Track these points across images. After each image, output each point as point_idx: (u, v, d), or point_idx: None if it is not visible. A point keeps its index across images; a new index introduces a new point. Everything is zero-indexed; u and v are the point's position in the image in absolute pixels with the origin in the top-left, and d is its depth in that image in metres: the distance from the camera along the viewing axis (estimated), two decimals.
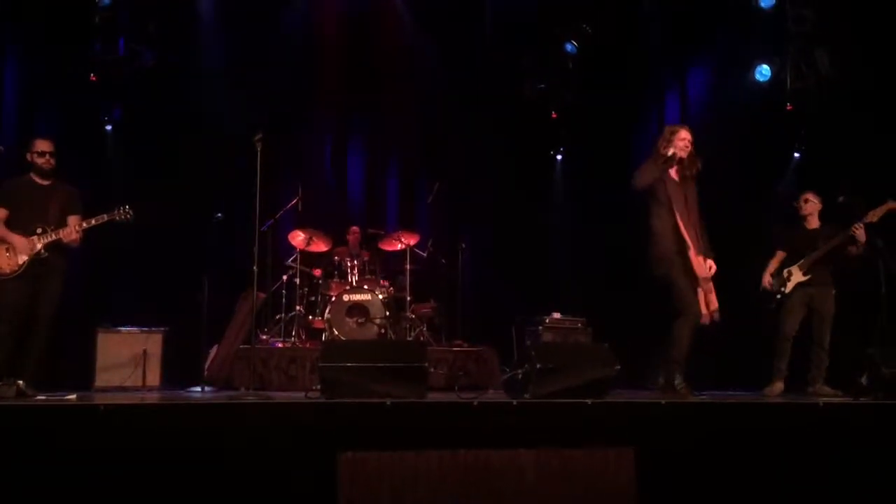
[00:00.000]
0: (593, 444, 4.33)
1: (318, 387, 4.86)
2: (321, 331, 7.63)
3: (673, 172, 5.56)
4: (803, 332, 6.32)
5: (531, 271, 9.08)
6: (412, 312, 7.84)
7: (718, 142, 8.42)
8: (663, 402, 4.71)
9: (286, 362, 6.84)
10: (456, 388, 6.04)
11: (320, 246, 8.06)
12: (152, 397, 5.69)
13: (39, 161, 5.45)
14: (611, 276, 8.54)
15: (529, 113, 9.32)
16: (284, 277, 7.72)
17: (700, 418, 4.61)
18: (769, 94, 8.36)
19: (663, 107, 9.30)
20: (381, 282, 7.96)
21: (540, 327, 7.54)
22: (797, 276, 6.31)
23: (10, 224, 5.34)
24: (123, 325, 6.91)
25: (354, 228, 8.37)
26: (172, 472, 3.87)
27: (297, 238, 7.84)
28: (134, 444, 3.87)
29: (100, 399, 4.81)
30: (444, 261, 8.29)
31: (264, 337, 7.37)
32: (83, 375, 6.64)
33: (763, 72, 8.32)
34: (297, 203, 7.79)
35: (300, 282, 7.74)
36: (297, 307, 7.66)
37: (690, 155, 5.56)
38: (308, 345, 7.32)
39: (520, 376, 4.96)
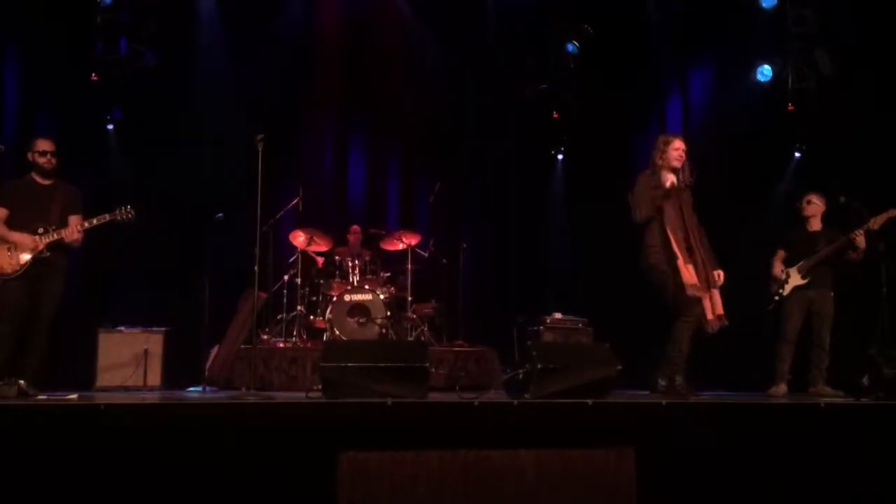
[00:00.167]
0: (594, 444, 4.32)
1: (319, 387, 4.85)
2: (322, 331, 7.63)
3: (667, 183, 5.55)
4: (803, 333, 6.31)
5: (532, 271, 9.09)
6: (413, 312, 7.85)
7: (719, 142, 8.45)
8: (664, 402, 4.71)
9: (287, 362, 6.85)
10: (457, 388, 6.05)
11: (321, 246, 8.06)
12: (153, 397, 5.70)
13: (41, 160, 5.45)
14: (612, 276, 8.53)
15: (531, 113, 9.32)
16: (286, 277, 7.73)
17: (701, 419, 4.60)
18: (770, 95, 8.36)
19: (665, 107, 9.30)
20: (381, 272, 7.96)
21: (541, 327, 7.54)
22: (795, 278, 6.31)
23: (12, 224, 5.33)
24: (125, 325, 6.92)
25: (355, 228, 8.37)
26: (173, 472, 3.87)
27: (298, 238, 7.84)
28: (135, 443, 3.87)
29: (101, 399, 4.81)
30: (445, 261, 8.29)
31: (265, 337, 7.37)
32: (84, 375, 6.65)
33: (764, 72, 8.31)
34: (298, 203, 7.80)
35: (301, 282, 7.74)
36: (299, 307, 7.66)
37: (684, 165, 5.57)
38: (309, 345, 7.32)
39: (521, 376, 4.96)
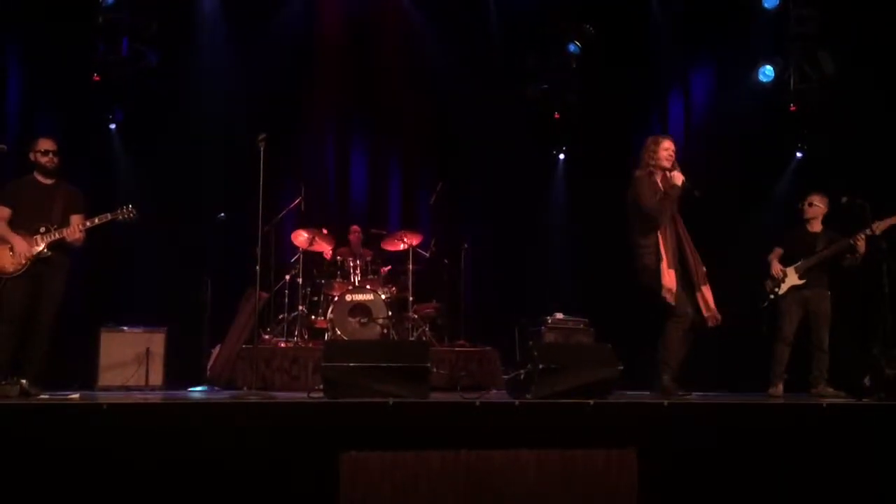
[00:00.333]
0: (595, 444, 4.32)
1: (321, 387, 4.86)
2: (324, 331, 7.63)
3: (659, 184, 5.58)
4: (800, 334, 6.31)
5: (534, 272, 9.09)
6: (415, 312, 7.85)
7: (721, 142, 8.45)
8: (665, 403, 4.70)
9: (288, 362, 6.85)
10: (458, 388, 6.06)
11: (323, 246, 8.07)
12: (155, 397, 5.70)
13: (43, 160, 5.45)
14: (613, 276, 8.52)
15: (532, 113, 9.33)
16: (287, 277, 7.73)
17: (702, 419, 4.60)
18: (772, 95, 8.36)
19: (666, 107, 9.30)
20: (382, 269, 7.96)
21: (542, 327, 7.54)
22: (792, 278, 6.30)
23: (14, 223, 5.35)
24: (127, 325, 6.92)
25: (355, 228, 8.38)
26: (174, 472, 3.87)
27: (300, 238, 7.85)
28: (136, 443, 3.88)
29: (103, 398, 4.81)
30: (446, 261, 8.30)
31: (267, 337, 7.38)
32: (86, 374, 6.65)
33: (766, 72, 8.31)
34: (299, 203, 7.80)
35: (303, 282, 7.75)
36: (300, 307, 7.67)
37: (674, 165, 5.62)
38: (310, 345, 7.32)
39: (522, 376, 4.96)
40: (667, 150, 5.57)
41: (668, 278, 5.44)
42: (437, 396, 5.02)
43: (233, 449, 3.97)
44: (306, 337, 7.60)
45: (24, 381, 5.09)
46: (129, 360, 6.75)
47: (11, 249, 5.28)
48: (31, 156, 5.49)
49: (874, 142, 7.41)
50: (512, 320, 7.77)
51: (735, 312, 5.84)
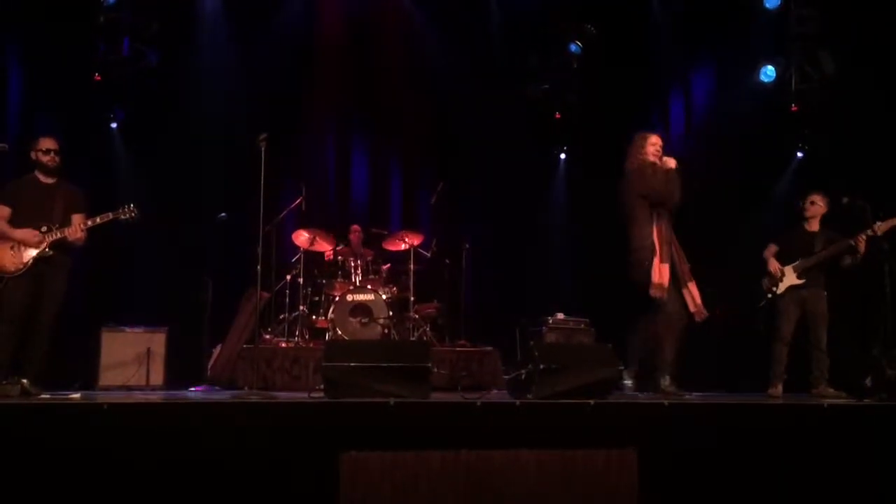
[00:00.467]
0: (595, 444, 4.32)
1: (322, 386, 4.86)
2: (325, 331, 7.63)
3: (672, 163, 5.70)
4: (799, 334, 6.30)
5: (535, 272, 9.08)
6: (416, 312, 7.85)
7: (722, 142, 8.45)
8: (666, 403, 4.71)
9: (289, 362, 6.85)
10: (459, 388, 6.06)
11: (324, 246, 8.07)
12: (156, 396, 5.70)
13: (44, 159, 5.45)
14: (614, 276, 8.52)
15: (533, 113, 9.32)
16: (288, 277, 7.73)
17: (702, 419, 4.60)
18: (773, 95, 8.35)
19: (667, 107, 9.29)
20: (382, 266, 7.96)
21: (543, 328, 7.54)
22: (791, 278, 6.29)
23: (15, 222, 5.34)
24: (127, 325, 6.92)
25: (356, 227, 8.37)
26: (175, 472, 3.88)
27: (301, 238, 7.85)
28: (137, 443, 3.88)
29: (103, 398, 4.81)
30: (447, 261, 8.29)
31: (268, 336, 7.38)
32: (87, 374, 6.65)
33: (768, 73, 8.31)
34: (300, 203, 7.80)
35: (303, 282, 7.74)
36: (301, 307, 7.67)
37: (661, 160, 5.73)
38: (311, 345, 7.32)
39: (523, 377, 4.96)
40: (654, 144, 5.70)
41: (662, 273, 5.51)
42: (437, 396, 5.02)
43: (233, 449, 3.98)
44: (307, 337, 7.60)
45: (24, 380, 5.11)
46: (130, 360, 6.75)
47: (13, 248, 5.28)
48: (33, 155, 5.49)
49: (875, 142, 7.40)
50: (513, 320, 7.77)
51: (735, 312, 5.84)
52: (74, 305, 5.87)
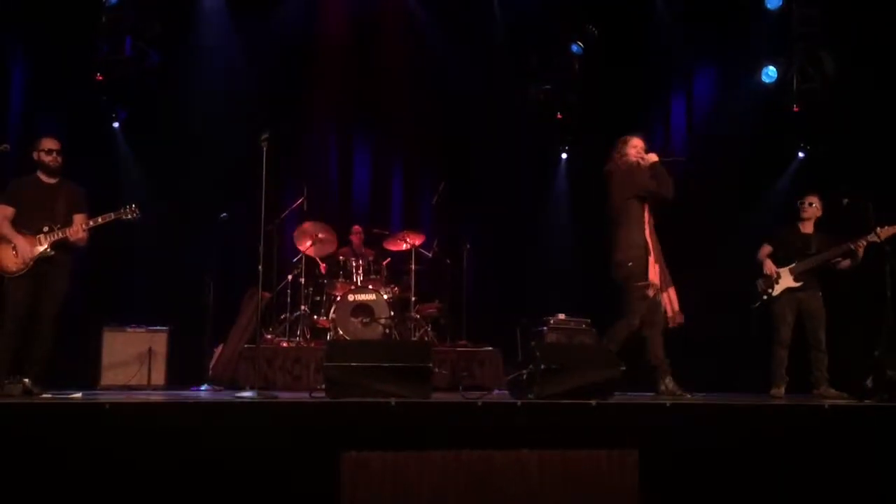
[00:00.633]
0: (597, 445, 4.32)
1: (323, 386, 4.86)
2: (326, 330, 7.64)
3: (654, 157, 5.75)
4: (797, 334, 6.29)
5: (536, 272, 9.08)
6: (417, 312, 7.85)
7: (723, 143, 8.44)
8: (667, 403, 4.70)
9: (291, 362, 6.87)
10: (460, 388, 6.06)
11: (325, 248, 8.06)
12: (157, 396, 5.71)
13: (46, 159, 5.46)
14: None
15: (535, 113, 9.32)
16: (289, 277, 7.73)
17: (704, 420, 4.60)
18: (775, 96, 8.35)
19: (669, 108, 9.29)
20: (383, 262, 7.96)
21: (545, 328, 7.54)
22: (787, 280, 6.27)
23: (17, 222, 5.35)
24: (129, 324, 6.93)
25: (357, 228, 8.38)
26: (176, 471, 3.88)
27: (305, 244, 7.84)
28: (138, 442, 3.88)
29: (105, 398, 4.82)
30: (448, 261, 8.30)
31: (269, 336, 7.38)
32: (89, 374, 6.67)
33: (769, 73, 8.30)
34: (302, 203, 7.81)
35: (305, 282, 7.75)
36: (302, 307, 7.67)
37: (643, 159, 5.78)
38: (313, 344, 7.34)
39: (524, 377, 4.96)
40: (635, 147, 5.77)
41: (653, 272, 5.57)
42: (438, 396, 5.02)
43: (234, 449, 3.97)
44: (308, 337, 7.61)
45: (26, 380, 5.12)
46: (132, 360, 6.76)
47: (15, 249, 5.28)
48: (35, 155, 5.49)
49: (877, 142, 7.39)
50: (514, 320, 7.77)
51: (735, 312, 5.84)
52: (76, 305, 5.88)
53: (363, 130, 9.40)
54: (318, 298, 7.87)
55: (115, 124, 8.15)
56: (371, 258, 8.13)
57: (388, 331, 7.43)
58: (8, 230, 5.30)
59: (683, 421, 4.54)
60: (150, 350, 6.80)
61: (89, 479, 3.77)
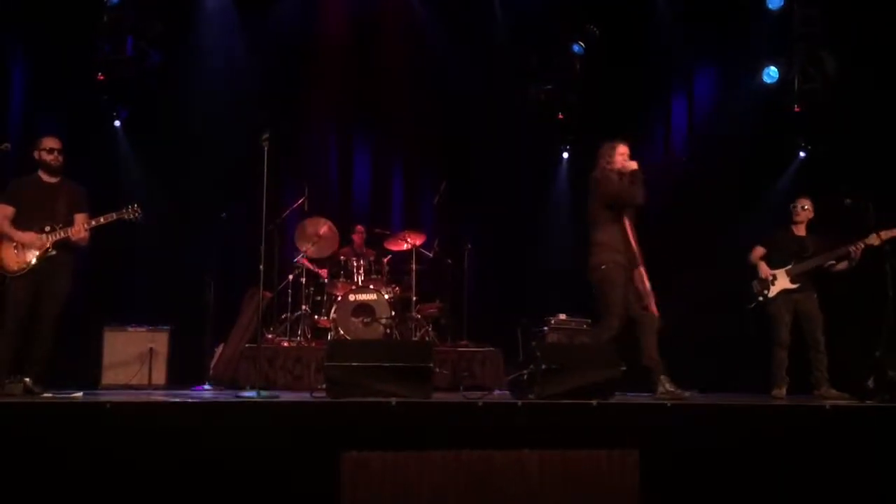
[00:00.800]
0: (597, 445, 4.32)
1: (324, 386, 4.86)
2: (327, 330, 7.64)
3: (634, 164, 5.75)
4: (795, 334, 6.29)
5: (537, 272, 9.08)
6: (418, 312, 7.85)
7: (724, 143, 8.43)
8: (668, 404, 4.71)
9: (291, 362, 6.87)
10: (461, 388, 6.06)
11: (326, 249, 8.06)
12: (158, 396, 5.71)
13: (48, 158, 5.46)
14: None
15: (536, 113, 9.32)
16: (290, 277, 7.74)
17: (704, 420, 4.60)
18: (776, 96, 8.34)
19: (670, 108, 9.28)
20: (384, 260, 7.96)
21: (545, 328, 7.55)
22: (783, 281, 6.27)
23: (18, 222, 5.35)
24: (130, 324, 6.93)
25: (359, 228, 8.38)
26: (176, 471, 3.88)
27: (305, 234, 7.85)
28: (139, 442, 3.88)
29: (106, 397, 4.82)
30: (449, 261, 8.30)
31: (270, 336, 7.38)
32: (89, 373, 6.67)
33: (770, 73, 8.29)
34: (303, 203, 7.81)
35: (306, 281, 7.75)
36: (303, 306, 7.68)
37: (624, 165, 5.78)
38: (313, 344, 7.34)
39: (525, 377, 4.96)
40: (622, 154, 5.76)
41: (639, 277, 5.59)
42: (439, 396, 5.03)
43: (235, 448, 3.98)
44: (309, 336, 7.61)
45: (27, 379, 5.12)
46: (133, 360, 6.77)
47: (16, 248, 5.28)
48: (36, 154, 5.49)
49: (878, 143, 7.39)
50: (514, 320, 7.77)
51: (735, 312, 5.83)
52: (77, 305, 5.87)
53: (363, 130, 9.40)
54: (318, 298, 7.88)
55: (116, 124, 8.15)
56: (372, 258, 8.13)
57: (388, 331, 7.43)
58: (9, 229, 5.31)
59: (684, 421, 4.54)
60: (150, 350, 6.81)
61: (90, 479, 3.78)
